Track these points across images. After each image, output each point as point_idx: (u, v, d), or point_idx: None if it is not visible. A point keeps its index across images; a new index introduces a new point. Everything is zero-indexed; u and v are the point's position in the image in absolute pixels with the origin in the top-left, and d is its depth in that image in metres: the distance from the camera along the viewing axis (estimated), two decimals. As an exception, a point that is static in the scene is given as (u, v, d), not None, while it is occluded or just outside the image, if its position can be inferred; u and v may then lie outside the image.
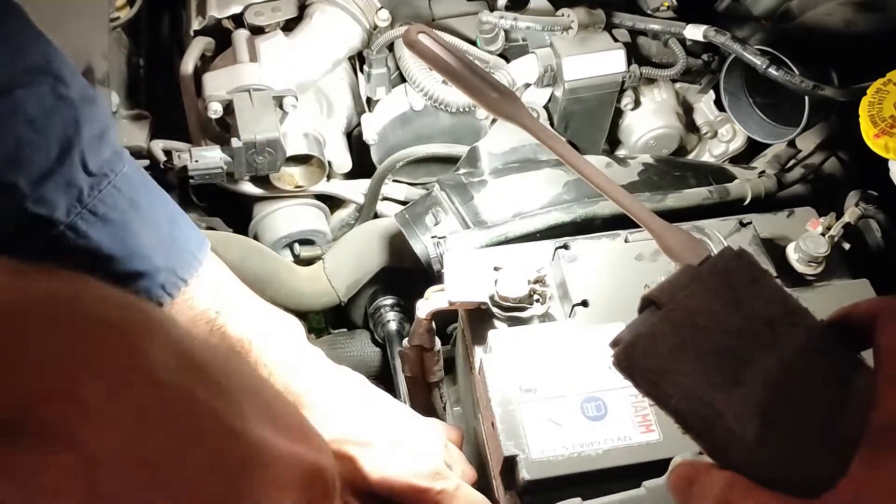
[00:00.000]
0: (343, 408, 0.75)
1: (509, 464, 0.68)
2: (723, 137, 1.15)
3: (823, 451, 0.46)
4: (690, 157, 1.17)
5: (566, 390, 0.71)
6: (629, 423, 0.70)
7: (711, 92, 1.13)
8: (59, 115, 0.67)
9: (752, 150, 1.14)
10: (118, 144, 0.73)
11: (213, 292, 0.75)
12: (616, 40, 1.04)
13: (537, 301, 0.77)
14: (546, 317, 0.78)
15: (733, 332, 0.48)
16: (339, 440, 0.72)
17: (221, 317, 0.74)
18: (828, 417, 0.46)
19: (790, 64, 0.92)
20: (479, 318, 0.78)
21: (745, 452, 0.46)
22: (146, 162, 0.99)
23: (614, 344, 0.48)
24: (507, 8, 1.06)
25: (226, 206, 1.12)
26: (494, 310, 0.77)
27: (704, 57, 1.09)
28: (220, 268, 0.77)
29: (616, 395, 0.71)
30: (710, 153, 1.16)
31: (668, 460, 0.66)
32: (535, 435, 0.69)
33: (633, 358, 0.47)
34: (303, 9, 1.06)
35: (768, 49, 0.93)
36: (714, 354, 0.47)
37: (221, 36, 1.08)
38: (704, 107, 1.15)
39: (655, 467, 0.66)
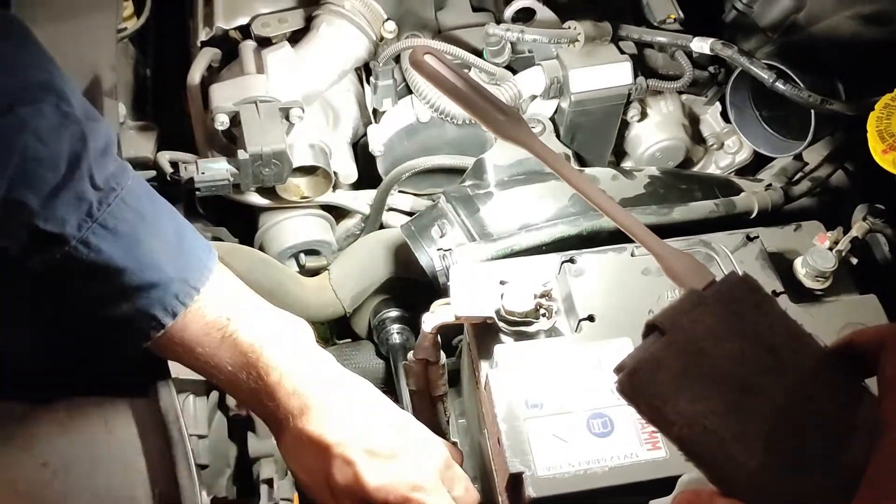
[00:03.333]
0: (348, 412, 0.75)
1: (515, 481, 0.68)
2: (729, 149, 1.15)
3: (827, 479, 0.45)
4: (697, 168, 1.17)
5: (572, 406, 0.71)
6: (635, 440, 0.69)
7: (718, 104, 1.13)
8: (65, 130, 0.67)
9: (758, 161, 1.14)
10: (121, 159, 0.73)
11: (224, 299, 0.75)
12: (622, 52, 1.04)
13: (543, 315, 0.77)
14: (552, 331, 0.78)
15: (737, 358, 0.48)
16: (342, 444, 0.73)
17: (233, 323, 0.75)
18: (831, 445, 0.46)
19: (797, 78, 0.91)
20: (485, 333, 0.78)
21: (749, 480, 0.45)
22: (153, 173, 0.99)
23: (618, 370, 0.48)
24: (514, 20, 1.06)
25: (232, 216, 1.12)
26: (500, 324, 0.77)
27: (711, 69, 1.09)
28: (228, 275, 0.78)
29: (622, 411, 0.71)
30: (717, 165, 1.16)
31: (675, 478, 0.66)
32: (541, 451, 0.68)
33: (635, 384, 0.47)
34: (310, 20, 1.06)
35: (775, 63, 0.93)
36: (717, 381, 0.47)
37: (228, 47, 1.08)
38: (711, 118, 1.15)
39: (662, 485, 0.65)
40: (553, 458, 0.68)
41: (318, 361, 0.78)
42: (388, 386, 1.04)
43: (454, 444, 0.88)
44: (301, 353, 0.77)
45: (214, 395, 0.99)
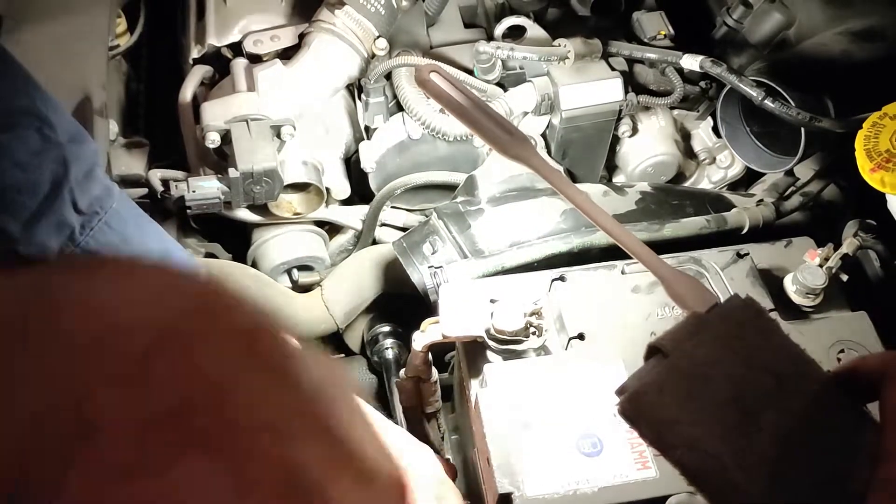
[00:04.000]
0: None
1: (504, 501, 0.67)
2: (721, 164, 1.15)
3: None
4: (689, 183, 1.17)
5: (562, 426, 0.71)
6: (625, 460, 0.69)
7: (709, 118, 1.13)
8: (46, 155, 0.67)
9: (751, 175, 1.14)
10: (107, 181, 0.73)
11: None
12: (613, 69, 1.04)
13: (533, 334, 0.77)
14: (542, 350, 0.78)
15: (740, 382, 0.47)
16: None
17: None
18: (833, 472, 0.46)
19: (786, 94, 0.92)
20: (475, 351, 0.78)
21: None
22: (144, 191, 0.99)
23: (620, 392, 0.48)
24: (505, 37, 1.06)
25: (225, 231, 1.12)
26: (490, 343, 0.76)
27: (702, 84, 1.09)
28: None
29: (612, 430, 0.70)
30: (709, 179, 1.16)
31: (665, 498, 0.65)
32: (530, 472, 0.68)
33: (638, 407, 0.47)
34: (301, 38, 1.07)
35: (764, 80, 0.93)
36: (720, 405, 0.47)
37: (220, 64, 1.08)
38: (702, 133, 1.15)
39: (652, 505, 0.65)
40: (542, 479, 0.68)
41: None
42: (381, 402, 1.04)
43: (447, 460, 0.87)
44: None
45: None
